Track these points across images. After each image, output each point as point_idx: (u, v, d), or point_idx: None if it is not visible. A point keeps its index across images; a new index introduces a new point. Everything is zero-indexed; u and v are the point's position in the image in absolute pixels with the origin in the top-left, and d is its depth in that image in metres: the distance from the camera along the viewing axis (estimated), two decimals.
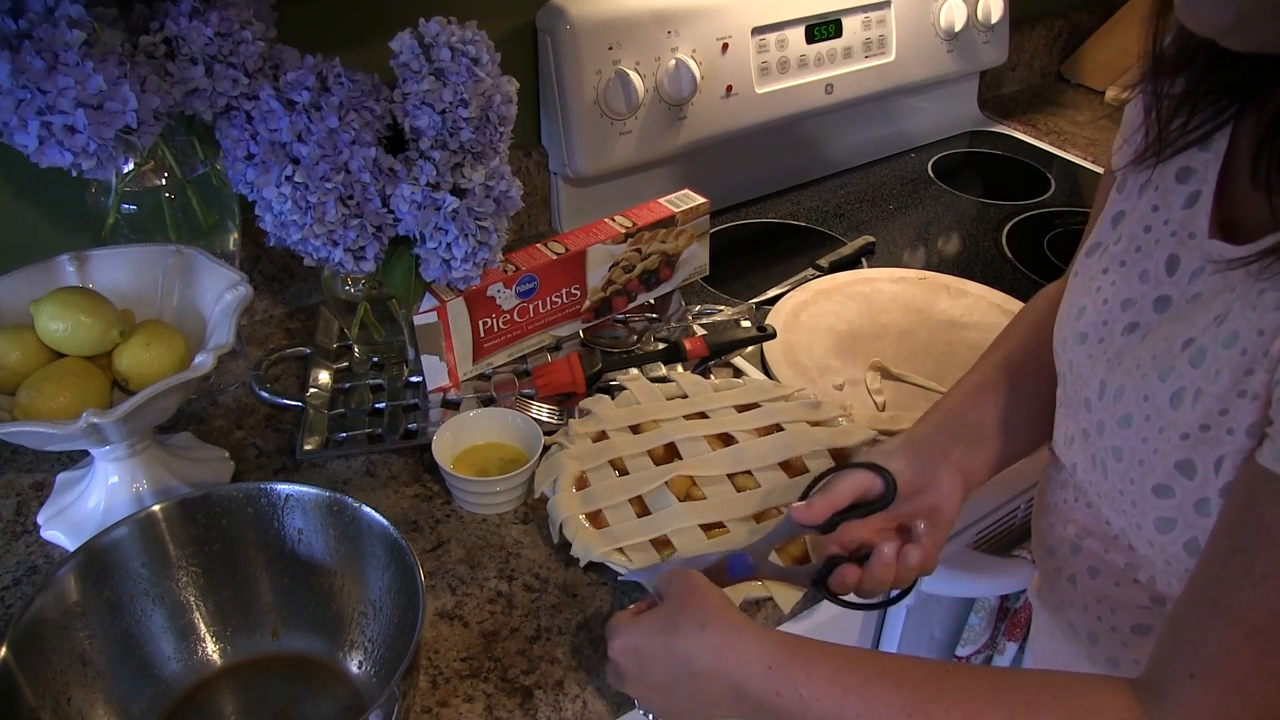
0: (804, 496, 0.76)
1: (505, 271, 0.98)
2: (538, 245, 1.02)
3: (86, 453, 0.85)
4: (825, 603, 0.88)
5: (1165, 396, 0.61)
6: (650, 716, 0.72)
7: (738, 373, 1.06)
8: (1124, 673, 0.70)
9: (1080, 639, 0.75)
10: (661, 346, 1.08)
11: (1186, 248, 0.64)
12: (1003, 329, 0.86)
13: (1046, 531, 0.77)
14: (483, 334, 0.99)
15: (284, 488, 0.76)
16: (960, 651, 1.06)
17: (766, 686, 0.62)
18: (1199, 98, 0.63)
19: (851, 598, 0.76)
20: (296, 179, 0.81)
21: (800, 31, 1.34)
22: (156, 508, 0.74)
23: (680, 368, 1.05)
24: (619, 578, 0.80)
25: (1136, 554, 0.67)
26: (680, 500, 0.87)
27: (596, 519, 0.86)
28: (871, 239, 1.31)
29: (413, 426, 0.97)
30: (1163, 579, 0.66)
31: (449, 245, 0.88)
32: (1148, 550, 0.65)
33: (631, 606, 0.73)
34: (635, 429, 0.95)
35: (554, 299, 1.03)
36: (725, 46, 1.27)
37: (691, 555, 0.80)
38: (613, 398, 0.98)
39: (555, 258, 1.01)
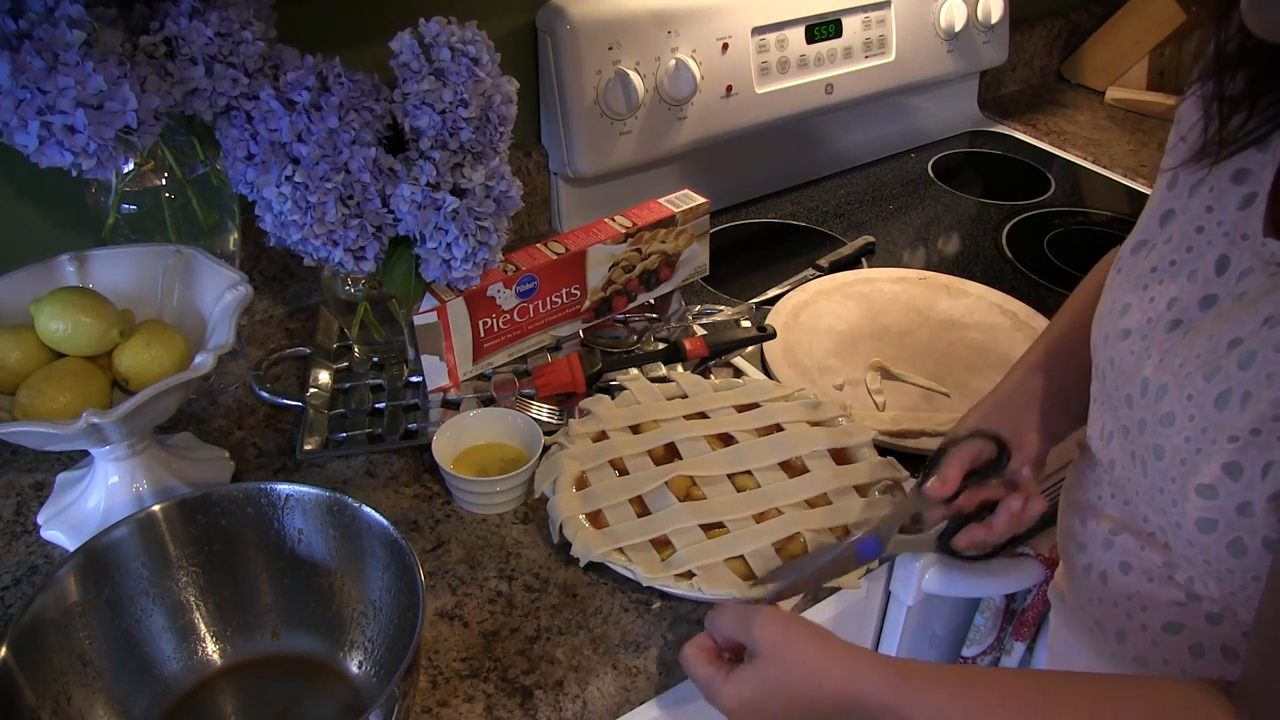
0: (926, 475, 0.79)
1: (505, 271, 0.98)
2: (538, 245, 1.02)
3: (86, 453, 0.85)
4: (821, 604, 0.89)
5: (1210, 397, 0.61)
6: None
7: (738, 373, 1.06)
8: (1150, 672, 0.71)
9: (1107, 637, 0.74)
10: (661, 346, 1.08)
11: (1238, 248, 0.63)
12: (1086, 277, 0.88)
13: (1076, 528, 0.77)
14: (483, 334, 0.99)
15: (284, 488, 0.76)
16: (966, 652, 1.06)
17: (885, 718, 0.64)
18: (1259, 97, 0.63)
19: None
20: (296, 179, 0.81)
21: (800, 31, 1.34)
22: (156, 508, 0.74)
23: (680, 368, 1.05)
24: (701, 600, 0.79)
25: (1173, 552, 0.67)
26: (680, 500, 0.87)
27: (596, 519, 0.86)
28: (871, 239, 1.31)
29: (413, 426, 0.97)
30: (1201, 579, 0.66)
31: (449, 245, 0.88)
32: (1187, 550, 0.65)
33: (704, 642, 0.73)
34: (635, 429, 0.95)
35: (554, 299, 1.03)
36: (725, 46, 1.27)
37: (820, 547, 0.83)
38: (613, 398, 0.98)
39: (555, 258, 1.01)
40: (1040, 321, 1.13)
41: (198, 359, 0.77)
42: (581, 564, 0.82)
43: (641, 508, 0.87)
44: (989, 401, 0.85)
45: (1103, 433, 0.73)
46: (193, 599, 0.76)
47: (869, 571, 0.85)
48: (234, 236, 0.99)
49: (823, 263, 1.25)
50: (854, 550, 0.80)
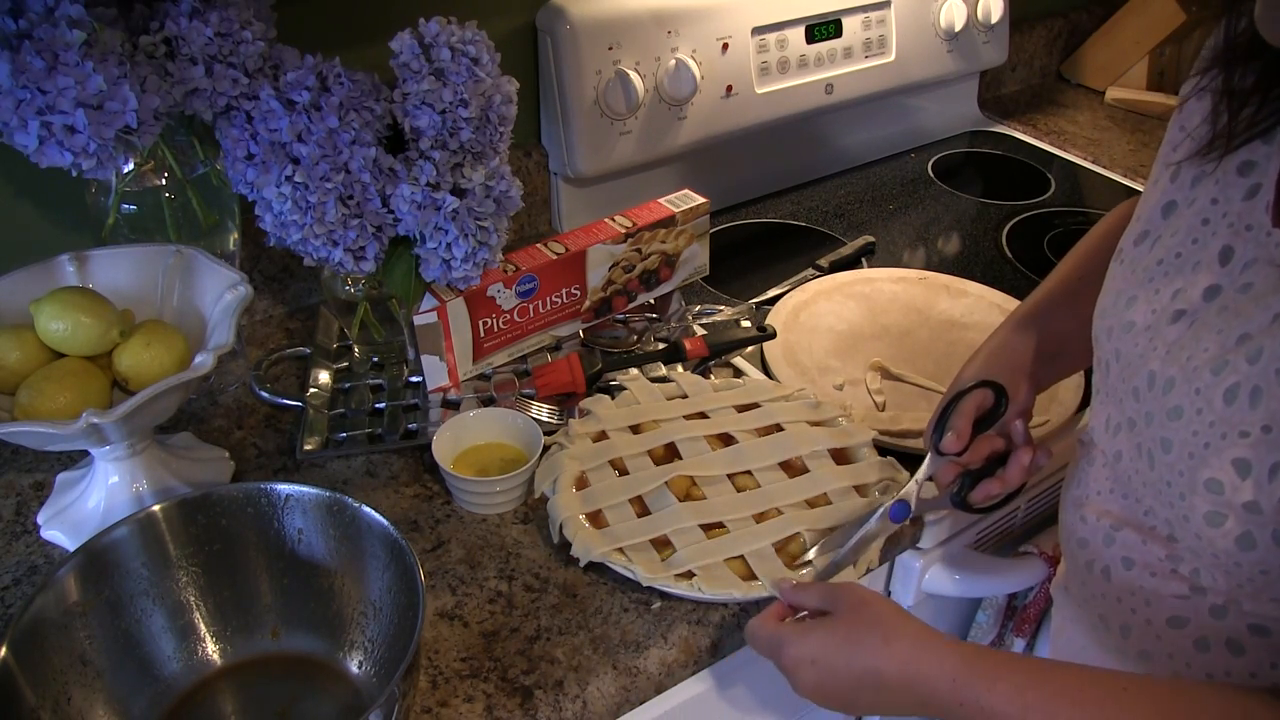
0: (939, 431, 0.81)
1: (505, 271, 0.98)
2: (538, 245, 1.02)
3: (86, 453, 0.85)
4: None
5: (1218, 391, 0.61)
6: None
7: (738, 373, 1.06)
8: (1155, 666, 0.71)
9: (1111, 632, 0.75)
10: (661, 346, 1.08)
11: (1242, 239, 0.64)
12: (1078, 242, 0.90)
13: (1077, 524, 0.77)
14: (483, 334, 0.99)
15: (284, 488, 0.76)
16: None
17: (951, 698, 0.64)
18: (1270, 89, 0.63)
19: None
20: (296, 179, 0.81)
21: (800, 31, 1.34)
22: (156, 508, 0.74)
23: (680, 368, 1.05)
24: (773, 597, 0.80)
25: (1178, 545, 0.67)
26: (680, 500, 0.87)
27: (596, 519, 0.86)
28: (871, 239, 1.31)
29: (413, 426, 0.97)
30: (1207, 572, 0.66)
31: (449, 245, 0.88)
32: (1194, 543, 0.65)
33: (772, 610, 0.75)
34: (635, 429, 0.95)
35: (554, 299, 1.03)
36: (725, 46, 1.27)
37: (851, 520, 0.85)
38: (613, 398, 0.98)
39: (555, 258, 1.01)
40: None
41: (198, 359, 0.77)
42: (581, 564, 0.82)
43: (641, 508, 0.87)
44: (982, 354, 0.86)
45: (1108, 424, 0.73)
46: (193, 599, 0.76)
47: (871, 568, 0.85)
48: (234, 236, 0.99)
49: (823, 263, 1.25)
50: (886, 517, 0.83)
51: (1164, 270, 0.69)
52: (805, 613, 0.75)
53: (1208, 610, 0.67)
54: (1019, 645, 1.02)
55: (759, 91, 1.32)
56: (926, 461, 0.82)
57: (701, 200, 1.10)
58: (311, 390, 1.00)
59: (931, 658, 0.65)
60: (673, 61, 1.22)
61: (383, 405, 1.00)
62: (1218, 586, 0.66)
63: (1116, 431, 0.72)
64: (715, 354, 1.06)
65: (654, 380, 1.01)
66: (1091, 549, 0.75)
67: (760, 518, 0.86)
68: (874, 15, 1.40)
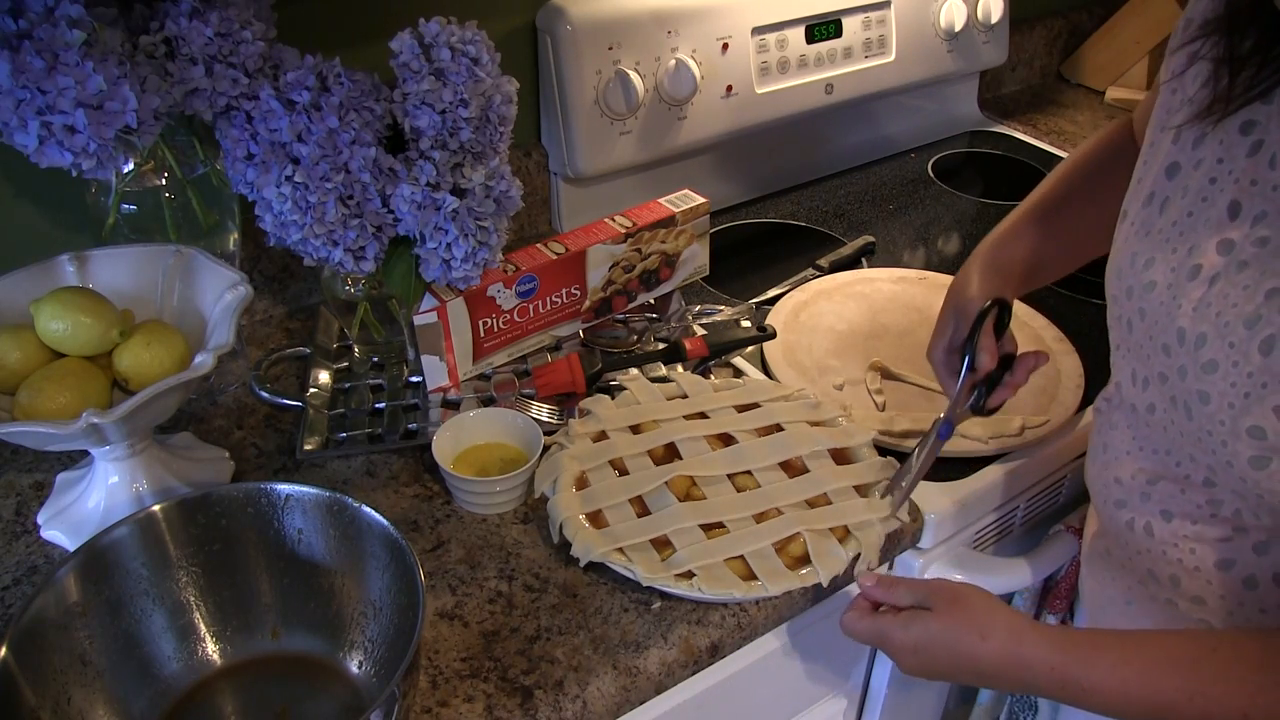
0: (971, 355, 0.88)
1: (505, 271, 0.98)
2: (538, 245, 1.02)
3: (86, 453, 0.85)
4: (833, 598, 0.89)
5: (1254, 344, 0.64)
6: None
7: (738, 373, 1.06)
8: (1210, 610, 0.74)
9: (1162, 584, 0.76)
10: (661, 346, 1.08)
11: (1248, 194, 0.66)
12: (1057, 165, 0.98)
13: (1111, 486, 0.79)
14: (483, 334, 0.99)
15: (284, 488, 0.76)
16: None
17: (1051, 683, 0.69)
18: (1268, 51, 0.65)
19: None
20: (296, 179, 0.81)
21: (800, 31, 1.34)
22: (156, 508, 0.74)
23: (680, 368, 1.05)
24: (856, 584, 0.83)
25: (1218, 489, 0.70)
26: (680, 500, 0.87)
27: (596, 519, 0.86)
28: (871, 239, 1.31)
29: (413, 426, 0.97)
30: (1249, 512, 0.69)
31: (449, 245, 0.88)
32: (1238, 485, 0.67)
33: (863, 604, 0.80)
34: (635, 429, 0.95)
35: (554, 299, 1.03)
36: (725, 46, 1.27)
37: (916, 441, 0.91)
38: (613, 398, 0.98)
39: (555, 258, 1.01)
40: (1040, 321, 1.13)
41: (198, 359, 0.77)
42: (581, 564, 0.82)
43: (641, 508, 0.87)
44: (975, 272, 0.92)
45: (1134, 378, 0.75)
46: (193, 599, 0.76)
47: (871, 568, 0.85)
48: (234, 236, 0.99)
49: (823, 263, 1.25)
50: (937, 438, 0.89)
51: (1179, 230, 0.71)
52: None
53: (1251, 548, 0.69)
54: (1053, 621, 1.03)
55: (759, 91, 1.32)
56: (961, 379, 0.89)
57: (701, 200, 1.10)
58: (311, 390, 1.00)
59: (1027, 650, 0.69)
60: (673, 61, 1.22)
61: (383, 405, 1.00)
62: (1260, 524, 0.68)
63: (1146, 385, 0.74)
64: (715, 354, 1.06)
65: (654, 380, 1.01)
66: (1130, 508, 0.77)
67: (760, 518, 0.86)
68: (874, 15, 1.40)
